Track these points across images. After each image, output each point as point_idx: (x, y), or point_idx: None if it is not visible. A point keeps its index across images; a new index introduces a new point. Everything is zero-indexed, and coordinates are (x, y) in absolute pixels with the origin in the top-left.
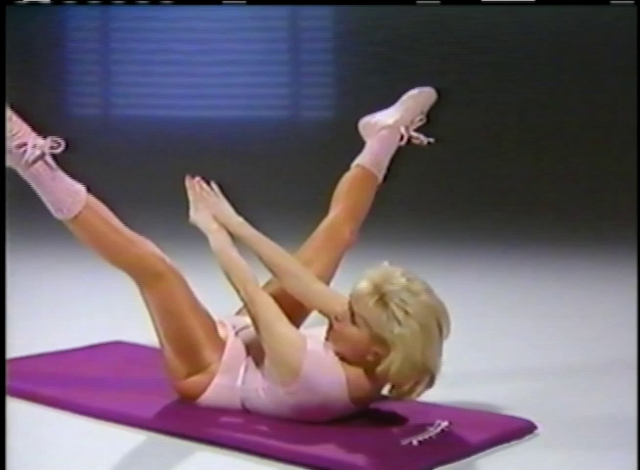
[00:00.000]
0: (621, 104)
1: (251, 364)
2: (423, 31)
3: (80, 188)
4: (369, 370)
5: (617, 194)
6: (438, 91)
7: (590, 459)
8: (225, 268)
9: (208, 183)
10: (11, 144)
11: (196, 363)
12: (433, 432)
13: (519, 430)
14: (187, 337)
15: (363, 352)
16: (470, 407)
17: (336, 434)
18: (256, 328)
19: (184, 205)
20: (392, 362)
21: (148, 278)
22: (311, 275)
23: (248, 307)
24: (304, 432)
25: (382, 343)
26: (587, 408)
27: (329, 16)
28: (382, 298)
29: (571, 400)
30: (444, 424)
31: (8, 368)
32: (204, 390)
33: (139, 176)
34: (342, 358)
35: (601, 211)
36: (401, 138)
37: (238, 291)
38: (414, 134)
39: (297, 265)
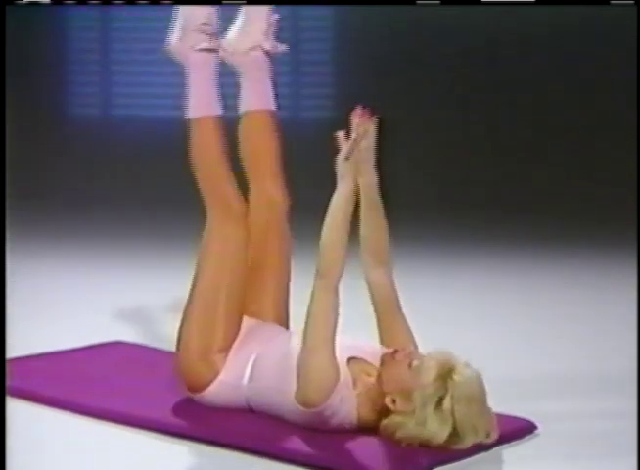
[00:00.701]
0: (621, 104)
1: (262, 362)
2: (423, 31)
3: (217, 106)
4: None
5: (617, 194)
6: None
7: (590, 459)
8: (323, 241)
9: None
10: (198, 23)
11: (208, 336)
12: None
13: (519, 430)
14: (216, 296)
15: (388, 388)
16: None
17: (336, 434)
18: (305, 329)
19: (184, 205)
20: (403, 427)
21: (224, 215)
22: (395, 287)
23: (312, 298)
24: (305, 432)
25: (407, 400)
26: (587, 408)
27: (329, 16)
28: (446, 376)
29: (571, 401)
30: None
31: (8, 368)
32: (208, 383)
33: (139, 176)
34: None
35: (601, 211)
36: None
37: (318, 270)
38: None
39: (388, 257)
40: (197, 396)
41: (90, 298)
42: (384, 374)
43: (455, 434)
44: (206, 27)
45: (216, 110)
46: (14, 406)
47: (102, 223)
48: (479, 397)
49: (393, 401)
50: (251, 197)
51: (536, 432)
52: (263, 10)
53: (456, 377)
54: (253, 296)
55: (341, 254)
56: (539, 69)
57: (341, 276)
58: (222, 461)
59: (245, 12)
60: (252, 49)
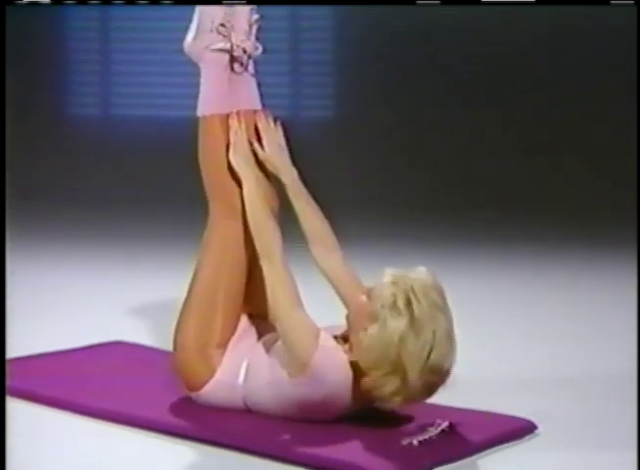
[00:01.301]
0: (621, 104)
1: (255, 360)
2: (423, 31)
3: (230, 107)
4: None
5: (617, 194)
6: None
7: (590, 459)
8: (251, 227)
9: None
10: (217, 23)
11: (206, 331)
12: (433, 432)
13: (519, 430)
14: (216, 291)
15: (359, 326)
16: (470, 407)
17: (336, 434)
18: (272, 304)
19: (184, 205)
20: (367, 337)
21: (228, 211)
22: (342, 256)
23: (266, 277)
24: (305, 432)
25: (372, 318)
26: (587, 408)
27: (329, 16)
28: (397, 280)
29: (572, 401)
30: (444, 424)
31: (8, 368)
32: (204, 382)
33: (139, 176)
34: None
35: (601, 211)
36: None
37: (260, 254)
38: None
39: (333, 241)
40: (194, 394)
41: (90, 298)
42: (351, 318)
43: (413, 330)
44: (223, 28)
45: (227, 109)
46: (14, 406)
47: (102, 223)
48: (434, 288)
49: (365, 329)
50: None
51: (536, 432)
52: (244, 10)
53: (409, 275)
54: (248, 294)
55: (274, 235)
56: (539, 68)
57: (282, 252)
58: (222, 461)
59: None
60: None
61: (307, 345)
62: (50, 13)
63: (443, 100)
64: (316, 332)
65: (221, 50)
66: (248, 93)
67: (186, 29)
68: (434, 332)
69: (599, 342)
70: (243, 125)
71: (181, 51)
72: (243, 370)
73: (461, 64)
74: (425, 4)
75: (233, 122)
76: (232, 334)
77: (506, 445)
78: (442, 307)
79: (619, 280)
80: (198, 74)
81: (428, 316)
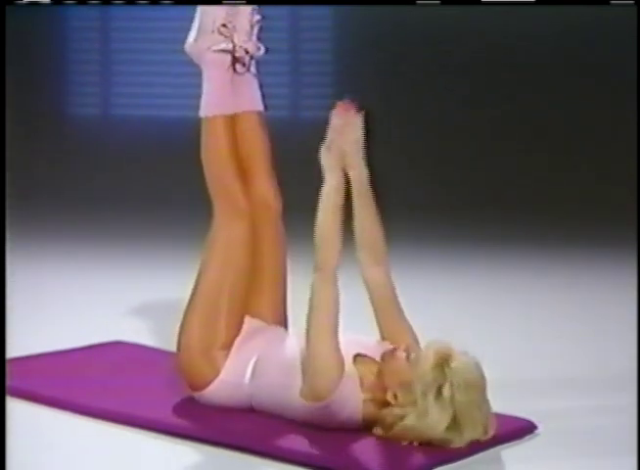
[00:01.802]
0: (621, 104)
1: (264, 360)
2: (423, 31)
3: (232, 106)
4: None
5: (617, 194)
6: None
7: (590, 459)
8: (317, 234)
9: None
10: (218, 24)
11: (210, 333)
12: None
13: (519, 430)
14: (220, 293)
15: (389, 384)
16: None
17: (336, 434)
18: (307, 320)
19: (184, 205)
20: (405, 421)
21: (233, 213)
22: (388, 271)
23: (312, 289)
24: (305, 432)
25: (408, 394)
26: (587, 408)
27: (329, 16)
28: (444, 364)
29: (572, 401)
30: None
31: (8, 368)
32: (209, 382)
33: (139, 176)
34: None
35: (601, 211)
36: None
37: (315, 263)
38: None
39: (385, 254)
40: (197, 394)
41: (90, 298)
42: (384, 371)
43: (454, 426)
44: (224, 29)
45: (229, 109)
46: (14, 406)
47: (102, 223)
48: (477, 383)
49: (395, 396)
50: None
51: (536, 432)
52: (246, 10)
53: (454, 364)
54: (250, 297)
55: (335, 245)
56: (539, 68)
57: (337, 268)
58: (222, 461)
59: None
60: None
61: (330, 379)
62: (50, 13)
63: (443, 100)
64: (342, 365)
65: (223, 51)
66: (250, 94)
67: (186, 29)
68: (472, 428)
69: (599, 342)
70: (340, 122)
71: (182, 51)
72: (250, 369)
73: (461, 64)
74: (425, 4)
75: (336, 114)
76: (236, 335)
77: (506, 445)
78: (481, 403)
79: (619, 280)
80: (198, 75)
81: (468, 414)
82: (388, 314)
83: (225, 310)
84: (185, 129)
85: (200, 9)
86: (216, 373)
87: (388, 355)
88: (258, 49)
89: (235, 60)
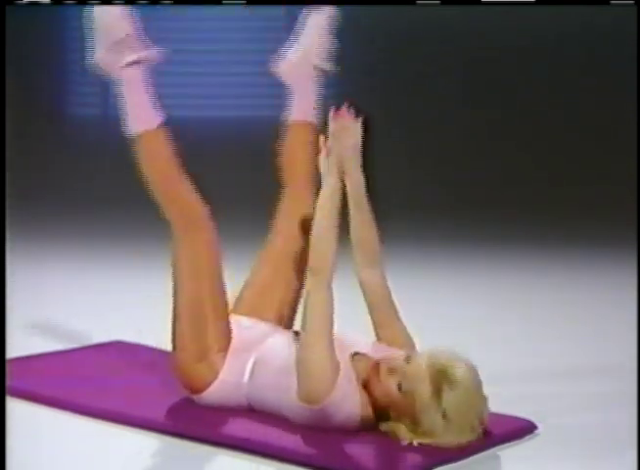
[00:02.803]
0: (621, 104)
1: (262, 360)
2: (423, 31)
3: (158, 116)
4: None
5: (616, 194)
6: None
7: (590, 459)
8: (314, 237)
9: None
10: (117, 39)
11: (203, 338)
12: None
13: (519, 430)
14: (201, 299)
15: (388, 404)
16: None
17: (336, 434)
18: (302, 325)
19: None
20: (406, 433)
21: (188, 223)
22: (384, 274)
23: (307, 293)
24: (305, 432)
25: (412, 418)
26: (587, 408)
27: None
28: (440, 387)
29: (572, 401)
30: None
31: (8, 368)
32: (208, 384)
33: (139, 176)
34: (364, 386)
35: (601, 211)
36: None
37: (310, 266)
38: (318, 63)
39: (379, 258)
40: (196, 396)
41: (90, 298)
42: (382, 367)
43: (449, 428)
44: (129, 39)
45: (157, 121)
46: (14, 406)
47: (102, 223)
48: (473, 393)
49: (396, 413)
50: (283, 201)
51: (536, 432)
52: (320, 27)
53: (450, 369)
54: (243, 299)
55: (331, 249)
56: (539, 68)
57: (333, 272)
58: (222, 461)
59: (302, 31)
60: (303, 66)
61: (325, 382)
62: (50, 13)
63: (443, 100)
64: (337, 369)
65: (133, 63)
66: (301, 106)
67: (186, 29)
68: (471, 425)
69: (599, 342)
70: (340, 127)
71: (181, 51)
72: (248, 369)
73: (461, 64)
74: (425, 4)
75: (331, 124)
76: (229, 335)
77: (506, 445)
78: (478, 408)
79: (619, 280)
80: (198, 75)
81: (465, 418)
82: (382, 315)
83: (212, 320)
84: (185, 129)
85: (96, 23)
86: (215, 375)
87: (373, 374)
88: (327, 66)
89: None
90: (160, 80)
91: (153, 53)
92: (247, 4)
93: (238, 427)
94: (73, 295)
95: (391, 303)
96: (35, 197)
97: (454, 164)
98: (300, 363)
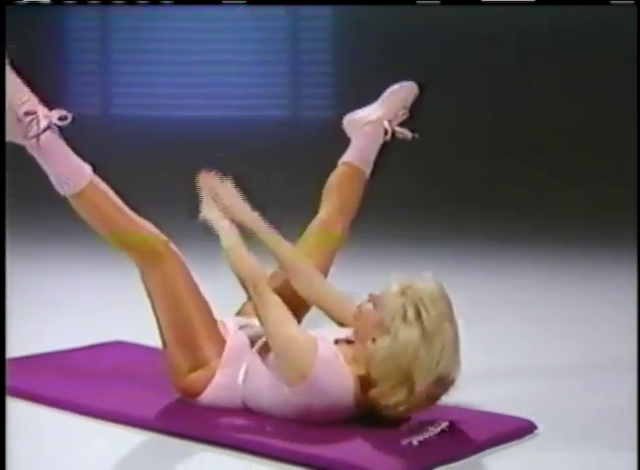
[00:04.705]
0: (621, 104)
1: (254, 361)
2: (423, 31)
3: (86, 165)
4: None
5: (616, 194)
6: (421, 86)
7: (590, 459)
8: (235, 266)
9: (223, 178)
10: (19, 112)
11: (195, 356)
12: (433, 432)
13: (519, 430)
14: (186, 324)
15: (366, 335)
16: (470, 407)
17: (336, 434)
18: (265, 329)
19: (184, 205)
20: (379, 349)
21: (149, 258)
22: (322, 277)
23: (256, 307)
24: (305, 432)
25: (382, 329)
26: (587, 408)
27: (329, 16)
28: (405, 290)
29: (572, 400)
30: (444, 424)
31: (8, 368)
32: (203, 388)
33: (139, 176)
34: (350, 362)
35: (601, 211)
36: (385, 133)
37: (246, 289)
38: (398, 129)
39: (310, 266)
40: (193, 400)
41: (90, 298)
42: (358, 327)
43: (426, 343)
44: (28, 109)
45: (87, 171)
46: (14, 406)
47: None
48: (443, 297)
49: (373, 340)
50: (315, 220)
51: (536, 432)
52: (404, 94)
53: (417, 285)
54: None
55: (253, 265)
56: (539, 68)
57: (263, 276)
58: (221, 461)
59: (390, 93)
60: (374, 124)
61: (304, 357)
62: (50, 13)
63: (443, 100)
64: (313, 343)
65: (43, 131)
66: (360, 153)
67: (186, 29)
68: (442, 344)
69: (599, 342)
70: (211, 183)
71: (181, 51)
72: (242, 371)
73: (461, 64)
74: (425, 4)
75: (203, 182)
76: (223, 342)
77: (506, 445)
78: (450, 318)
79: (619, 280)
80: (198, 75)
81: (437, 327)
82: (323, 300)
83: (202, 331)
84: (185, 129)
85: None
86: (210, 379)
87: (356, 315)
88: (398, 132)
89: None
90: (161, 80)
91: (55, 114)
92: (247, 4)
93: (238, 426)
94: (73, 295)
95: (325, 284)
96: (35, 197)
97: (453, 164)
98: (276, 355)
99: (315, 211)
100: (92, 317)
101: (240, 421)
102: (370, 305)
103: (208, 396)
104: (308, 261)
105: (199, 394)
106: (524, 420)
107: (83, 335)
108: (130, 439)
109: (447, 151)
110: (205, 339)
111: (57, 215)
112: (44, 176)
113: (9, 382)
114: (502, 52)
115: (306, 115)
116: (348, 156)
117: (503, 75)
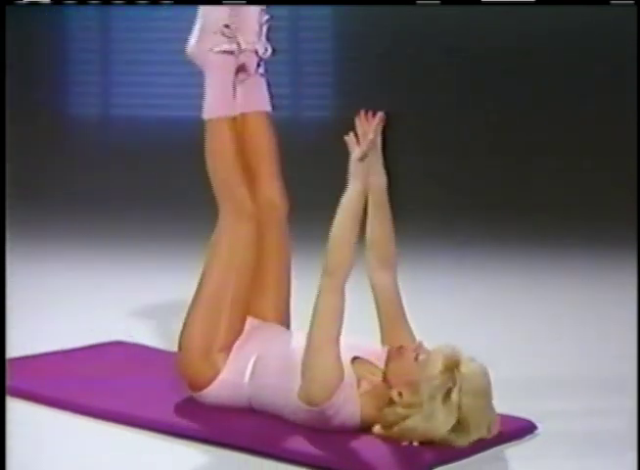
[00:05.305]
0: (622, 104)
1: (263, 360)
2: (423, 31)
3: (235, 109)
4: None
5: (616, 194)
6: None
7: (590, 459)
8: (334, 235)
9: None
10: (219, 26)
11: (210, 338)
12: None
13: (519, 430)
14: (224, 297)
15: (394, 384)
16: None
17: (336, 434)
18: (310, 326)
19: (184, 205)
20: (410, 422)
21: (238, 214)
22: (396, 277)
23: (321, 296)
24: (305, 432)
25: (415, 394)
26: (587, 409)
27: (329, 16)
28: (453, 369)
29: (572, 401)
30: None
31: (8, 368)
32: (209, 382)
33: (139, 176)
34: (363, 395)
35: (601, 211)
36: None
37: (326, 268)
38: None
39: (394, 260)
40: (197, 394)
41: (90, 298)
42: (390, 369)
43: (459, 428)
44: (227, 30)
45: (233, 111)
46: (14, 406)
47: (102, 223)
48: (485, 390)
49: (400, 394)
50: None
51: (536, 432)
52: (255, 10)
53: (463, 369)
54: (254, 297)
55: (349, 252)
56: (539, 69)
57: (348, 275)
58: (222, 461)
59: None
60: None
61: (327, 387)
62: (50, 13)
63: (443, 100)
64: (341, 374)
65: (225, 52)
66: (256, 94)
67: (186, 29)
68: (478, 433)
69: (599, 342)
70: (372, 128)
71: (181, 51)
72: (249, 369)
73: (461, 64)
74: (425, 4)
75: (361, 124)
76: (237, 337)
77: (506, 445)
78: (488, 410)
79: (619, 280)
80: (198, 75)
81: (476, 421)
82: (390, 318)
83: (227, 313)
84: (185, 129)
85: (201, 9)
86: (216, 373)
87: (394, 353)
88: (266, 50)
89: (239, 60)
90: (161, 80)
91: (260, 46)
92: (246, 4)
93: (239, 427)
94: (73, 295)
95: (400, 306)
96: (35, 197)
97: (454, 164)
98: (306, 367)
99: (315, 211)
100: (92, 317)
101: (242, 421)
102: (413, 356)
103: (212, 391)
104: (394, 255)
105: (203, 387)
106: (524, 420)
107: (83, 335)
108: (130, 439)
109: (447, 151)
110: (227, 324)
111: (57, 215)
112: (44, 176)
113: (9, 382)
114: (502, 52)
115: (306, 115)
116: (258, 103)
117: (503, 75)
